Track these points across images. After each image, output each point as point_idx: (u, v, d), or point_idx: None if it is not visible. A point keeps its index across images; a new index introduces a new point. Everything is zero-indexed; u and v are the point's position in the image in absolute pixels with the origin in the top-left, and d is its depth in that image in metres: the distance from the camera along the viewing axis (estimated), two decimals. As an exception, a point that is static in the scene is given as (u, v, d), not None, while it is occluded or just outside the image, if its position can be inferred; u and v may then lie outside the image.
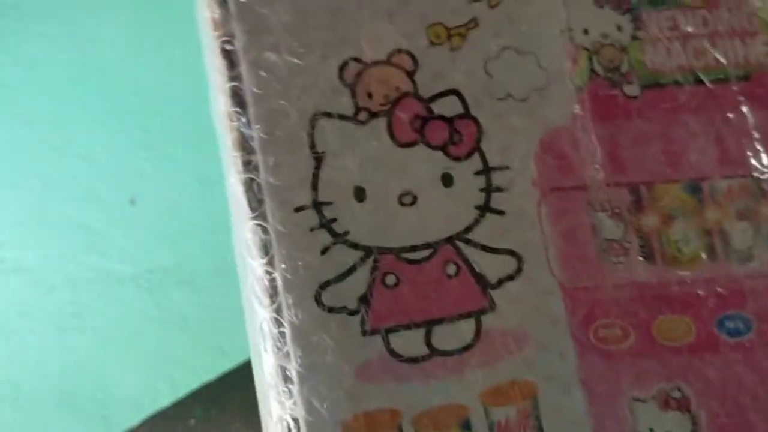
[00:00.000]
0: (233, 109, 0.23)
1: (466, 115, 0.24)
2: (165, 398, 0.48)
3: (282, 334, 0.22)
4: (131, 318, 0.47)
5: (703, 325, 0.24)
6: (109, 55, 0.51)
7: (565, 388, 0.23)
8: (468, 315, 0.23)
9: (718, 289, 0.24)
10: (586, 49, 0.26)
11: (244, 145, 0.23)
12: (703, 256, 0.24)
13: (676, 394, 0.23)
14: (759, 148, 0.25)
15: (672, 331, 0.24)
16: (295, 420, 0.22)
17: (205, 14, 0.24)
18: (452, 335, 0.23)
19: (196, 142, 0.50)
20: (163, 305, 0.49)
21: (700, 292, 0.24)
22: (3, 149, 0.50)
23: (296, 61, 0.23)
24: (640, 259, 0.25)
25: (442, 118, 0.24)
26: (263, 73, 0.23)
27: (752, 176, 0.25)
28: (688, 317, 0.24)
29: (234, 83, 0.23)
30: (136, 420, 0.45)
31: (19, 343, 0.48)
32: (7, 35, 0.52)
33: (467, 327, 0.23)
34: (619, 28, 0.26)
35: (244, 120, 0.23)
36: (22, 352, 0.48)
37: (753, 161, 0.25)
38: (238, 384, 0.46)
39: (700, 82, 0.26)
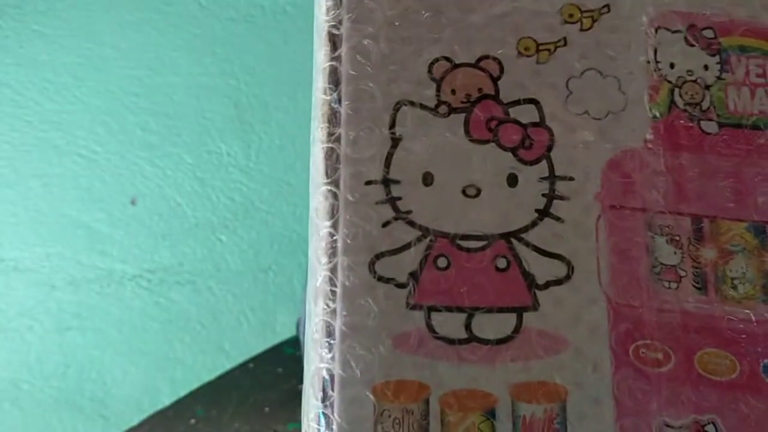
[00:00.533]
0: (328, 85, 0.25)
1: (541, 123, 0.26)
2: (165, 398, 0.51)
3: (333, 292, 0.24)
4: (131, 318, 0.50)
5: (748, 365, 0.24)
6: (109, 55, 0.54)
7: (596, 399, 0.23)
8: (510, 309, 0.24)
9: None
10: (669, 82, 0.27)
11: (332, 118, 0.25)
12: (759, 296, 0.24)
13: (710, 429, 0.23)
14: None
15: (715, 364, 0.24)
16: (331, 375, 0.23)
17: (320, 2, 0.26)
18: (492, 325, 0.24)
19: (196, 142, 0.52)
20: (163, 305, 0.51)
21: (750, 332, 0.24)
22: (3, 149, 0.53)
23: (390, 51, 0.26)
24: (693, 288, 0.25)
25: (517, 122, 0.26)
26: (360, 58, 0.25)
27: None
28: (733, 355, 0.24)
29: (333, 63, 0.26)
30: (136, 420, 0.47)
31: (19, 343, 0.51)
32: (8, 35, 0.56)
33: (508, 320, 0.24)
34: (706, 68, 0.27)
35: (335, 96, 0.25)
36: (22, 352, 0.51)
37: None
38: (238, 384, 0.47)
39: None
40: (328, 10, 0.28)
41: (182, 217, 0.52)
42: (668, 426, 0.25)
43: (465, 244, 0.26)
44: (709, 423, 0.25)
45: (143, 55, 0.54)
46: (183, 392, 0.49)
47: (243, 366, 0.49)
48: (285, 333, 0.52)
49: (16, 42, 0.56)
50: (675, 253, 0.27)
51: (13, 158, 0.54)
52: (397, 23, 0.27)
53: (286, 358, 0.49)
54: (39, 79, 0.56)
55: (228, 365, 0.50)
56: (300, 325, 0.45)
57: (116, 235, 0.52)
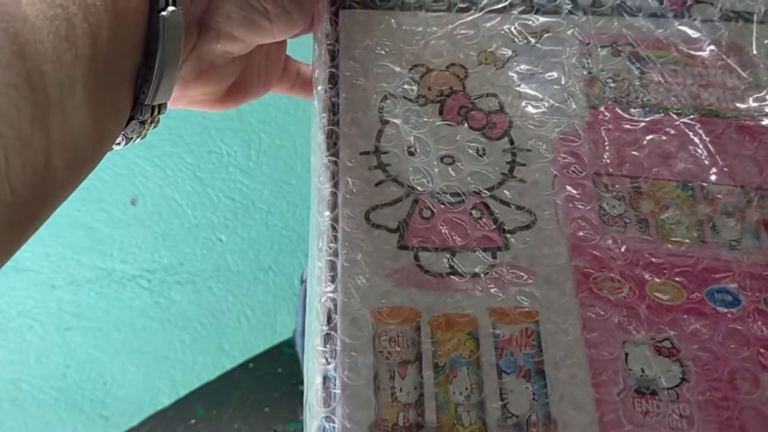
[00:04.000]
0: (327, 86, 0.30)
1: (501, 110, 0.31)
2: (165, 398, 0.51)
3: (335, 237, 0.28)
4: (131, 318, 0.50)
5: (693, 291, 0.28)
6: None
7: (563, 318, 0.27)
8: (485, 249, 0.28)
9: (708, 266, 0.28)
10: (600, 81, 0.32)
11: (331, 108, 0.30)
12: (695, 237, 0.29)
13: (667, 344, 0.27)
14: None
15: (664, 292, 0.28)
16: (334, 303, 0.27)
17: (320, 29, 0.32)
18: (471, 261, 0.28)
19: (196, 142, 0.53)
20: (163, 305, 0.51)
21: (692, 264, 0.28)
22: None
23: (378, 59, 0.31)
24: (638, 231, 0.29)
25: (481, 109, 0.31)
26: (352, 62, 0.30)
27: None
28: (680, 284, 0.28)
29: (332, 69, 0.31)
30: (136, 420, 0.47)
31: (19, 342, 0.50)
32: None
33: (484, 257, 0.28)
34: (629, 71, 0.33)
35: (333, 92, 0.30)
36: (22, 352, 0.51)
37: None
38: (238, 384, 0.47)
39: (695, 112, 0.32)
40: (327, 35, 0.33)
41: (182, 217, 0.53)
42: (629, 341, 0.28)
43: (445, 198, 0.30)
44: (665, 339, 0.28)
45: None
46: (183, 392, 0.49)
47: (243, 366, 0.50)
48: (285, 333, 0.52)
49: None
50: (620, 205, 0.31)
51: None
52: (382, 41, 0.33)
53: (286, 358, 0.50)
54: None
55: (228, 365, 0.50)
56: (297, 337, 0.46)
57: (116, 235, 0.53)
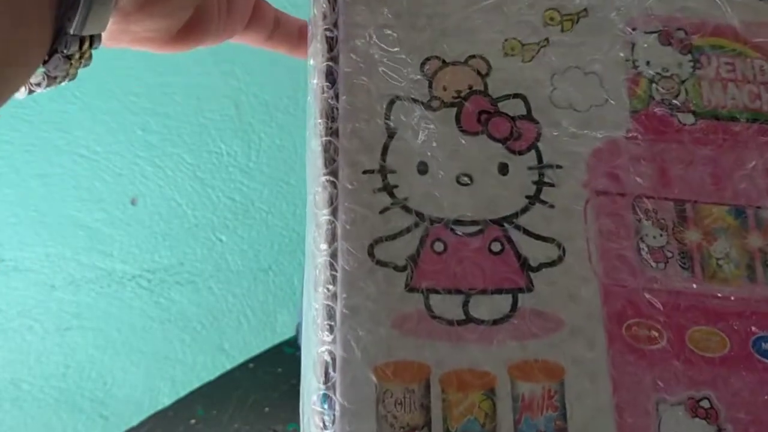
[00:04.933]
0: (325, 83, 0.24)
1: (528, 116, 0.25)
2: (165, 398, 0.49)
3: (333, 277, 0.23)
4: (131, 318, 0.48)
5: (738, 341, 0.23)
6: (109, 55, 0.52)
7: (592, 376, 0.22)
8: (506, 291, 0.23)
9: (756, 310, 0.23)
10: (647, 78, 0.26)
11: (329, 113, 0.24)
12: (743, 275, 0.23)
13: (705, 404, 0.22)
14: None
15: (705, 341, 0.23)
16: (332, 357, 0.22)
17: (316, 9, 0.25)
18: (488, 306, 0.23)
19: (196, 142, 0.50)
20: (163, 305, 0.49)
21: (738, 309, 0.23)
22: (3, 149, 0.51)
23: (384, 52, 0.25)
24: (680, 268, 0.24)
25: (505, 115, 0.25)
26: (354, 56, 0.24)
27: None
28: (723, 332, 0.23)
29: (329, 63, 0.25)
30: (136, 420, 0.44)
31: (19, 343, 0.48)
32: None
33: (503, 301, 0.23)
34: (680, 65, 0.27)
35: (332, 92, 0.24)
36: (22, 352, 0.48)
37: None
38: (238, 384, 0.45)
39: (754, 120, 0.26)
40: (324, 15, 0.27)
41: (182, 217, 0.50)
42: (664, 402, 0.23)
43: (460, 229, 0.25)
44: (703, 398, 0.23)
45: (143, 55, 0.53)
46: (183, 392, 0.47)
47: (243, 366, 0.47)
48: (285, 333, 0.50)
49: None
50: (661, 235, 0.26)
51: (13, 158, 0.52)
52: (389, 26, 0.27)
53: (286, 358, 0.48)
54: None
55: (228, 365, 0.48)
56: (300, 330, 0.43)
57: (116, 235, 0.50)
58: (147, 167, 0.51)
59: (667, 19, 0.28)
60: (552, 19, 0.28)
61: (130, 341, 0.48)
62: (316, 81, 0.27)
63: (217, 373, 0.47)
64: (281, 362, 0.47)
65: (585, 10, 0.28)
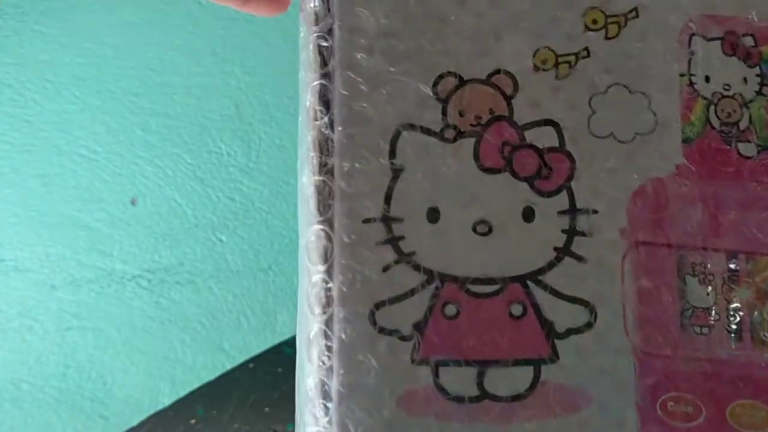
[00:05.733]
0: (318, 107, 0.19)
1: (561, 149, 0.20)
2: (165, 398, 0.47)
3: (328, 348, 0.19)
4: (131, 318, 0.46)
5: None
6: (109, 55, 0.48)
7: (621, 462, 0.18)
8: (527, 362, 0.19)
9: None
10: (704, 98, 0.20)
11: (323, 145, 0.19)
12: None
13: None
14: None
15: (749, 417, 0.19)
16: (328, 440, 0.18)
17: (307, 6, 0.20)
18: (506, 380, 0.19)
19: (196, 142, 0.48)
20: (163, 305, 0.47)
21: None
22: (3, 149, 0.48)
23: (389, 67, 0.19)
24: (726, 333, 0.19)
25: (533, 147, 0.20)
26: (352, 75, 0.19)
27: None
28: (771, 409, 0.19)
29: (322, 81, 0.19)
30: (136, 420, 0.43)
31: (19, 343, 0.47)
32: (8, 35, 0.51)
33: (524, 375, 0.19)
34: (745, 81, 0.21)
35: (326, 120, 0.19)
36: (22, 352, 0.47)
37: None
38: (238, 384, 0.43)
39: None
40: (316, 17, 0.21)
41: (182, 217, 0.48)
42: (700, 490, 0.20)
43: (476, 288, 0.21)
44: (743, 486, 0.20)
45: (143, 55, 0.49)
46: (183, 392, 0.45)
47: (243, 366, 0.45)
48: (285, 333, 0.48)
49: (16, 42, 0.51)
50: (707, 294, 0.21)
51: (13, 158, 0.49)
52: (395, 33, 0.21)
53: (286, 358, 0.46)
54: (39, 79, 0.50)
55: (228, 365, 0.46)
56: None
57: (116, 235, 0.48)
58: (147, 167, 0.48)
59: (734, 22, 0.22)
60: (595, 21, 0.22)
61: (130, 341, 0.46)
62: (308, 102, 0.22)
63: (217, 373, 0.46)
64: (281, 362, 0.45)
65: (635, 9, 0.22)
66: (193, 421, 0.42)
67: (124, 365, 0.45)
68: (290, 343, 0.45)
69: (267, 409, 0.42)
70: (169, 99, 0.48)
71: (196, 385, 0.45)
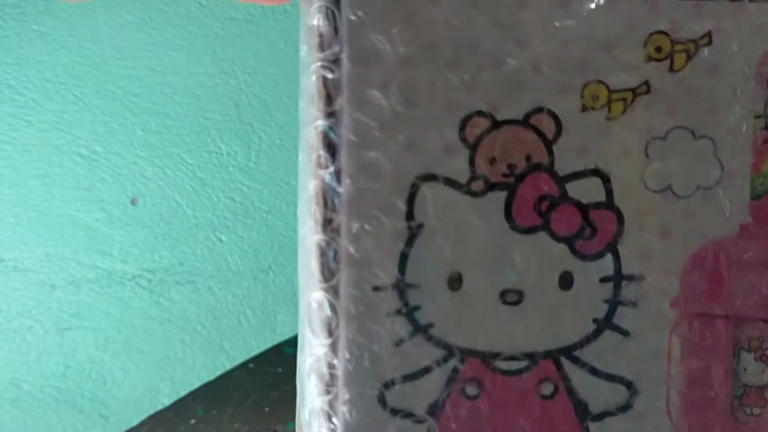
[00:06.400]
0: (323, 153, 0.15)
1: (608, 204, 0.16)
2: (165, 398, 0.46)
3: (332, 431, 0.15)
4: (131, 318, 0.45)
5: None
6: (109, 55, 0.45)
7: None
8: (556, 450, 0.16)
9: None
10: (776, 145, 0.17)
11: (327, 199, 0.16)
12: None
13: None
14: None
15: None
16: None
17: (310, 25, 0.16)
18: (533, 471, 0.16)
19: (196, 142, 0.47)
20: (164, 305, 0.46)
21: None
22: (3, 149, 0.46)
23: (407, 107, 0.15)
24: None
25: (576, 203, 0.16)
26: (364, 117, 0.15)
27: None
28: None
29: (329, 121, 0.15)
30: (136, 420, 0.42)
31: (19, 343, 0.45)
32: (8, 35, 0.47)
33: (553, 465, 0.16)
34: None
35: (332, 170, 0.15)
36: (22, 352, 0.46)
37: None
38: (238, 384, 0.42)
39: None
40: (321, 40, 0.17)
41: (182, 217, 0.46)
42: None
43: (502, 365, 0.18)
44: None
45: (143, 55, 0.47)
46: (183, 392, 0.44)
47: (243, 366, 0.44)
48: (285, 333, 0.47)
49: (16, 42, 0.48)
50: (763, 372, 0.18)
51: (13, 158, 0.47)
52: (415, 65, 0.17)
53: (286, 358, 0.44)
54: (39, 79, 0.48)
55: (228, 365, 0.45)
56: None
57: (116, 235, 0.46)
58: (147, 167, 0.46)
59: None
60: (659, 50, 0.18)
61: (130, 341, 0.45)
62: (311, 140, 0.18)
63: (217, 373, 0.44)
64: (281, 362, 0.44)
65: (708, 34, 0.17)
66: (193, 421, 0.41)
67: (124, 365, 0.44)
68: (290, 343, 0.43)
69: (267, 409, 0.41)
70: (169, 99, 0.46)
71: (196, 385, 0.44)
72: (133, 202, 0.43)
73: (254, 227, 0.46)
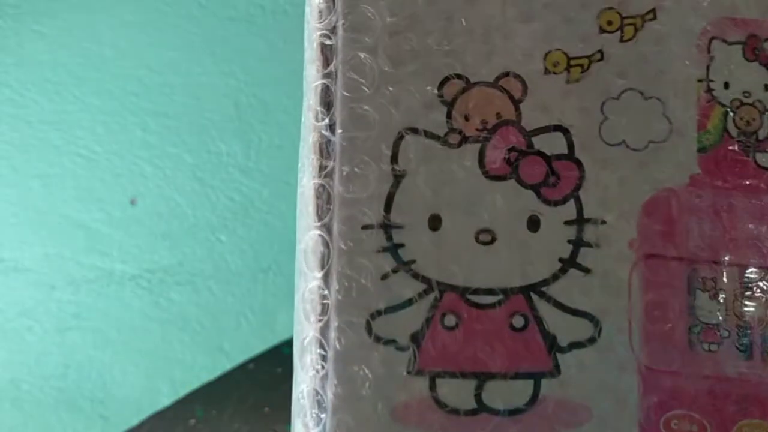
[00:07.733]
0: (320, 108, 0.19)
1: (569, 156, 0.20)
2: (165, 398, 0.47)
3: (323, 357, 0.18)
4: (131, 318, 0.46)
5: None
6: (109, 55, 0.49)
7: (622, 482, 0.18)
8: (527, 375, 0.19)
9: None
10: (722, 105, 0.20)
11: (323, 148, 0.19)
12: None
13: None
14: None
15: None
16: (321, 451, 0.18)
17: (313, 1, 0.19)
18: (505, 394, 0.19)
19: (196, 142, 0.49)
20: (163, 305, 0.48)
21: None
22: (3, 149, 0.48)
23: (393, 68, 0.19)
24: (736, 350, 0.19)
25: (541, 154, 0.19)
26: (354, 75, 0.19)
27: None
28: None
29: (325, 81, 0.19)
30: (136, 420, 0.43)
31: (19, 343, 0.47)
32: (7, 35, 0.51)
33: (523, 388, 0.19)
34: (766, 88, 0.20)
35: (327, 122, 0.19)
36: (22, 352, 0.48)
37: None
38: (238, 384, 0.43)
39: None
40: (321, 13, 0.21)
41: (182, 217, 0.48)
42: None
43: (477, 299, 0.20)
44: None
45: (143, 55, 0.49)
46: (183, 392, 0.45)
47: (243, 366, 0.45)
48: (285, 333, 0.48)
49: (16, 42, 0.51)
50: (718, 310, 0.21)
51: (13, 158, 0.50)
52: (400, 33, 0.21)
53: (286, 358, 0.45)
54: (39, 79, 0.50)
55: (228, 365, 0.46)
56: None
57: (116, 235, 0.48)
58: (147, 167, 0.48)
59: (757, 25, 0.22)
60: (610, 23, 0.21)
61: (130, 341, 0.47)
62: (311, 101, 0.21)
63: (217, 374, 0.46)
64: (281, 362, 0.45)
65: (653, 11, 0.21)
66: (192, 421, 0.42)
67: (124, 365, 0.46)
68: (290, 344, 0.45)
69: (267, 409, 0.42)
70: (169, 99, 0.48)
71: (195, 385, 0.45)
72: (133, 203, 0.45)
73: (254, 227, 0.48)
